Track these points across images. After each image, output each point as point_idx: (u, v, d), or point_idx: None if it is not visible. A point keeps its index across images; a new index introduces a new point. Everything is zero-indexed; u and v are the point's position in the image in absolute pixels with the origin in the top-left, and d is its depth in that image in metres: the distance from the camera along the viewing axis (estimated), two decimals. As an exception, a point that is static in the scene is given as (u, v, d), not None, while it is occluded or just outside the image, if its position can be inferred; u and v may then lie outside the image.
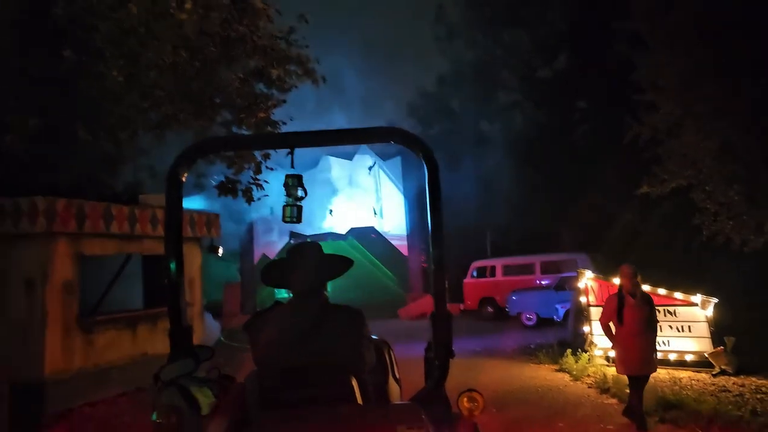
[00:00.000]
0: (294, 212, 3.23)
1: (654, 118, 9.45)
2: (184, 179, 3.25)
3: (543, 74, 31.10)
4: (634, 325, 6.65)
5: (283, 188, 3.20)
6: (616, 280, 10.37)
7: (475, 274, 20.91)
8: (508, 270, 20.42)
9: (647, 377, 6.90)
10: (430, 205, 3.02)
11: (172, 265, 3.06)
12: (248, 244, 25.74)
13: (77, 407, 9.29)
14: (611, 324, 6.91)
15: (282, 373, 2.78)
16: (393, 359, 3.82)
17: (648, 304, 6.76)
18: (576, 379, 9.79)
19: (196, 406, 2.53)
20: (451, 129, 33.10)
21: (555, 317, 15.36)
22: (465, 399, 2.62)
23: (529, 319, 17.41)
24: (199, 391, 2.57)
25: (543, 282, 19.12)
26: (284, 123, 11.02)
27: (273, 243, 25.59)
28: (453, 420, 2.62)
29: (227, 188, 10.81)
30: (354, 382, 2.76)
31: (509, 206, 24.16)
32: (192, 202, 17.72)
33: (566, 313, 14.82)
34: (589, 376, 9.84)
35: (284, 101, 10.99)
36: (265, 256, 25.14)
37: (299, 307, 2.97)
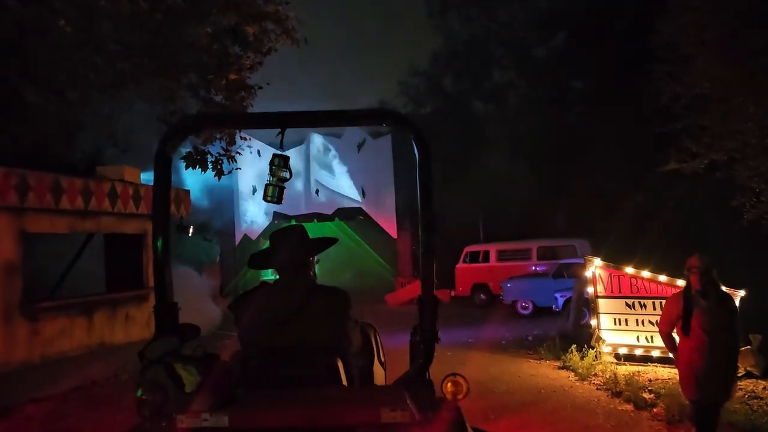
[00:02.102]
0: (275, 192, 3.20)
1: (686, 80, 8.10)
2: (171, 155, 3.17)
3: (539, 53, 30.13)
4: (704, 336, 4.93)
5: (269, 167, 3.18)
6: (629, 269, 9.38)
7: (467, 259, 19.87)
8: (502, 255, 19.40)
9: (718, 406, 5.13)
10: (420, 189, 2.97)
11: (159, 243, 3.00)
12: (230, 225, 24.47)
13: (19, 404, 8.19)
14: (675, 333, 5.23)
15: (267, 352, 2.81)
16: (379, 343, 3.80)
17: (726, 309, 5.01)
18: (582, 378, 8.77)
19: (181, 384, 2.48)
20: (444, 109, 32.10)
21: (554, 307, 14.33)
22: (449, 383, 2.65)
23: (525, 308, 16.44)
24: (184, 369, 2.53)
25: (539, 268, 18.16)
26: (260, 87, 9.81)
27: (256, 224, 24.40)
28: (437, 404, 2.61)
29: (195, 160, 9.60)
30: (339, 364, 2.78)
31: (504, 189, 23.11)
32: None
33: (566, 303, 13.85)
34: (596, 375, 8.84)
35: (260, 63, 9.76)
36: (246, 237, 23.96)
37: (285, 287, 3.00)
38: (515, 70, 31.18)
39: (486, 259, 19.58)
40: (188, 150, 9.90)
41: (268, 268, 3.30)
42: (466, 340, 12.68)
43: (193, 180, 17.68)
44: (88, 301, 9.63)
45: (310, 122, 3.71)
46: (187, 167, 9.76)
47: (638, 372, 8.68)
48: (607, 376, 8.60)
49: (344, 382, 2.78)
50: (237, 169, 9.56)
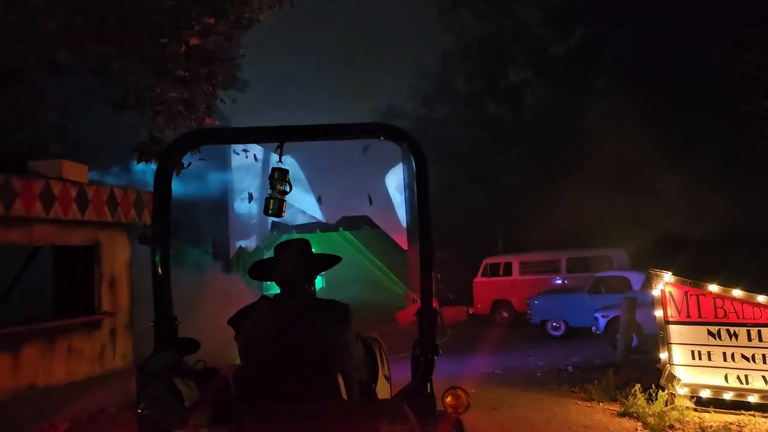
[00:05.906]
0: (276, 206, 3.24)
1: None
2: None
3: (556, 51, 28.28)
4: None
5: (269, 180, 3.23)
6: (713, 287, 7.19)
7: (487, 272, 17.71)
8: (526, 268, 17.22)
9: None
10: (418, 201, 3.03)
11: (157, 257, 2.98)
12: (224, 236, 22.43)
13: None
14: None
15: (266, 366, 2.81)
16: (384, 356, 3.71)
17: None
18: (654, 432, 6.60)
19: (180, 398, 2.50)
20: (457, 111, 30.19)
21: (594, 329, 12.11)
22: (449, 396, 2.63)
23: (556, 329, 14.27)
24: (183, 384, 2.53)
25: (566, 282, 16.01)
26: (233, 60, 7.83)
27: (252, 234, 22.40)
28: (437, 417, 2.62)
29: (151, 152, 7.59)
30: (339, 378, 2.76)
31: (524, 195, 21.03)
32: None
33: (609, 325, 11.68)
34: (673, 428, 6.65)
35: (233, 29, 7.75)
36: (242, 249, 21.91)
37: (284, 301, 3.01)
38: (532, 70, 29.33)
39: (508, 272, 17.39)
40: (143, 141, 7.92)
41: (269, 280, 3.28)
42: (491, 371, 10.51)
43: (181, 184, 15.78)
44: (12, 333, 7.51)
45: (307, 136, 3.68)
46: (139, 161, 7.76)
47: (732, 424, 6.50)
48: (690, 430, 6.45)
49: (344, 395, 2.73)
50: (201, 160, 7.53)
